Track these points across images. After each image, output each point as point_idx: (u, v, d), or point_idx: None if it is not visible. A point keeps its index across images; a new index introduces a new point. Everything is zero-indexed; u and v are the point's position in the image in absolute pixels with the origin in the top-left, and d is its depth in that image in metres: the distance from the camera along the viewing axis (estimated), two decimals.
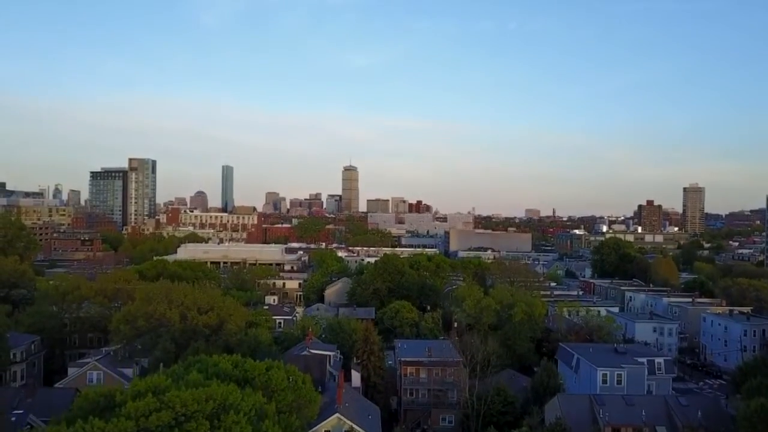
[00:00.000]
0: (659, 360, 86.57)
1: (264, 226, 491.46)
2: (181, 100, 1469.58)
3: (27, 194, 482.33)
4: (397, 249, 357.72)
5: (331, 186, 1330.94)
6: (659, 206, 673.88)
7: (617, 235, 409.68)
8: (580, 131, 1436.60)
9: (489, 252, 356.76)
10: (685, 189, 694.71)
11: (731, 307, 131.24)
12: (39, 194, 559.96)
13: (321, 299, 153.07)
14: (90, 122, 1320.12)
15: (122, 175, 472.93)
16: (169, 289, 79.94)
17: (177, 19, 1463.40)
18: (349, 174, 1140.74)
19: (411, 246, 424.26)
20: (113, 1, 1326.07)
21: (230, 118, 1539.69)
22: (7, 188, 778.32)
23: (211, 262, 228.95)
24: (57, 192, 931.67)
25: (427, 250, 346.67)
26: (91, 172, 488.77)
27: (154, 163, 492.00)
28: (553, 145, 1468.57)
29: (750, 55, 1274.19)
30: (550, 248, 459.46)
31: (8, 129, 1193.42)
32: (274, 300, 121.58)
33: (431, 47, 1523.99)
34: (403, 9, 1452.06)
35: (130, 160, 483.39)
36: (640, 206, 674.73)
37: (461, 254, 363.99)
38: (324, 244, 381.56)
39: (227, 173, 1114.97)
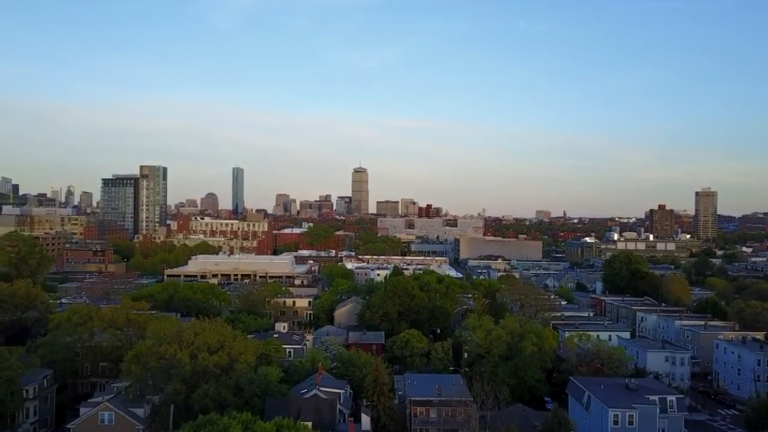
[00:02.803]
0: (671, 398, 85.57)
1: (274, 232, 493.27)
2: (190, 102, 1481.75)
3: (40, 201, 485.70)
4: (406, 257, 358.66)
5: (341, 188, 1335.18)
6: (671, 211, 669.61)
7: (628, 245, 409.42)
8: (589, 132, 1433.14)
9: (499, 261, 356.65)
10: (697, 193, 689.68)
11: (744, 332, 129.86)
12: (51, 200, 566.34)
13: (331, 320, 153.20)
14: (101, 124, 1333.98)
15: (133, 182, 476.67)
16: (179, 330, 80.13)
17: (185, 21, 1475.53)
18: (359, 176, 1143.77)
19: (421, 253, 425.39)
20: (124, 5, 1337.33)
21: (240, 119, 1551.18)
22: (20, 191, 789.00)
23: (222, 275, 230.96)
24: (69, 194, 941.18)
25: (437, 258, 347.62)
26: (103, 179, 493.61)
27: (164, 170, 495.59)
28: (563, 145, 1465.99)
29: (762, 55, 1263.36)
30: (560, 255, 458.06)
31: (21, 130, 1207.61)
32: (284, 327, 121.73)
33: (440, 48, 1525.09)
34: (411, 9, 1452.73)
35: (141, 167, 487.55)
36: (651, 210, 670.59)
37: (472, 263, 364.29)
38: (334, 251, 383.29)
39: (238, 175, 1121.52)
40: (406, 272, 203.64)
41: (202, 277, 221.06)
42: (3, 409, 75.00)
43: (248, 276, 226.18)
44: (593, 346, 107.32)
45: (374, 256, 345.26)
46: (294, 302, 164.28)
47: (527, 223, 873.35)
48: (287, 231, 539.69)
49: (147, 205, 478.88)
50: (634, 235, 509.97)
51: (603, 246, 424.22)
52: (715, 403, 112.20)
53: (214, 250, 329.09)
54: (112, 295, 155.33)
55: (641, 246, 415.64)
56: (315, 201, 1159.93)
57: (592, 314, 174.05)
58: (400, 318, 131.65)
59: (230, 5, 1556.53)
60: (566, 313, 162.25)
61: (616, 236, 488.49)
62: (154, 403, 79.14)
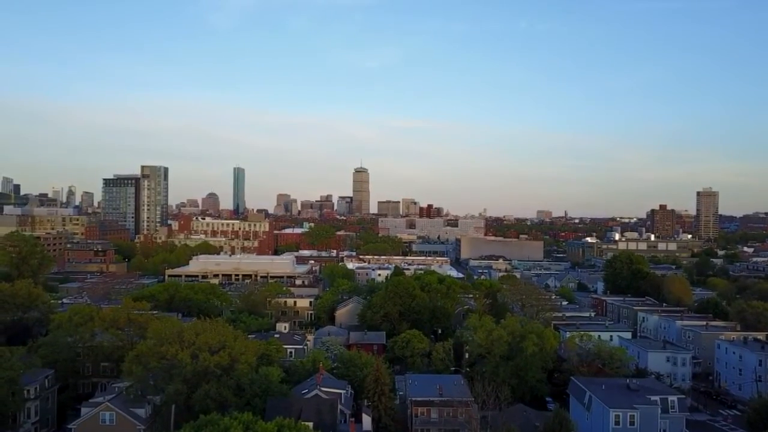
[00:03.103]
0: (673, 398, 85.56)
1: (275, 232, 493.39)
2: (190, 102, 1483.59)
3: (41, 201, 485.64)
4: (407, 258, 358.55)
5: (342, 188, 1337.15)
6: (672, 211, 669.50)
7: (630, 245, 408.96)
8: (589, 132, 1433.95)
9: (500, 261, 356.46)
10: (698, 193, 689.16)
11: (746, 333, 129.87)
12: (52, 200, 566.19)
13: (332, 320, 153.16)
14: (101, 124, 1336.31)
15: (134, 182, 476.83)
16: (180, 330, 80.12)
17: (185, 21, 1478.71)
18: (360, 176, 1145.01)
19: (422, 253, 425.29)
20: (124, 5, 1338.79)
21: (240, 119, 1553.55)
22: (21, 191, 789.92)
23: (223, 275, 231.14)
24: (70, 194, 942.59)
25: (438, 258, 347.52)
26: (104, 179, 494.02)
27: (166, 170, 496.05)
28: (563, 145, 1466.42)
29: (762, 55, 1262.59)
30: (562, 255, 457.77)
31: (21, 130, 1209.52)
32: (285, 327, 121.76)
33: (440, 48, 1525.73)
34: (411, 9, 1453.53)
35: (143, 167, 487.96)
36: (653, 211, 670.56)
37: (473, 263, 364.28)
38: (335, 251, 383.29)
39: (239, 175, 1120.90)
40: (407, 272, 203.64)
41: (203, 277, 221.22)
42: (4, 410, 75.02)
43: (249, 276, 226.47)
44: (594, 347, 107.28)
45: (375, 256, 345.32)
46: (295, 302, 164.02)
47: (528, 223, 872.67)
48: (288, 231, 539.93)
49: (148, 205, 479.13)
50: (635, 235, 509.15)
51: (604, 246, 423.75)
52: (717, 404, 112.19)
53: (215, 250, 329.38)
54: (113, 295, 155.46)
55: (642, 246, 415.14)
56: (316, 201, 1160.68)
57: (593, 314, 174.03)
58: (401, 318, 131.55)
59: (230, 5, 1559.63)
60: (567, 314, 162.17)
61: (617, 236, 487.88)
62: (155, 404, 79.10)
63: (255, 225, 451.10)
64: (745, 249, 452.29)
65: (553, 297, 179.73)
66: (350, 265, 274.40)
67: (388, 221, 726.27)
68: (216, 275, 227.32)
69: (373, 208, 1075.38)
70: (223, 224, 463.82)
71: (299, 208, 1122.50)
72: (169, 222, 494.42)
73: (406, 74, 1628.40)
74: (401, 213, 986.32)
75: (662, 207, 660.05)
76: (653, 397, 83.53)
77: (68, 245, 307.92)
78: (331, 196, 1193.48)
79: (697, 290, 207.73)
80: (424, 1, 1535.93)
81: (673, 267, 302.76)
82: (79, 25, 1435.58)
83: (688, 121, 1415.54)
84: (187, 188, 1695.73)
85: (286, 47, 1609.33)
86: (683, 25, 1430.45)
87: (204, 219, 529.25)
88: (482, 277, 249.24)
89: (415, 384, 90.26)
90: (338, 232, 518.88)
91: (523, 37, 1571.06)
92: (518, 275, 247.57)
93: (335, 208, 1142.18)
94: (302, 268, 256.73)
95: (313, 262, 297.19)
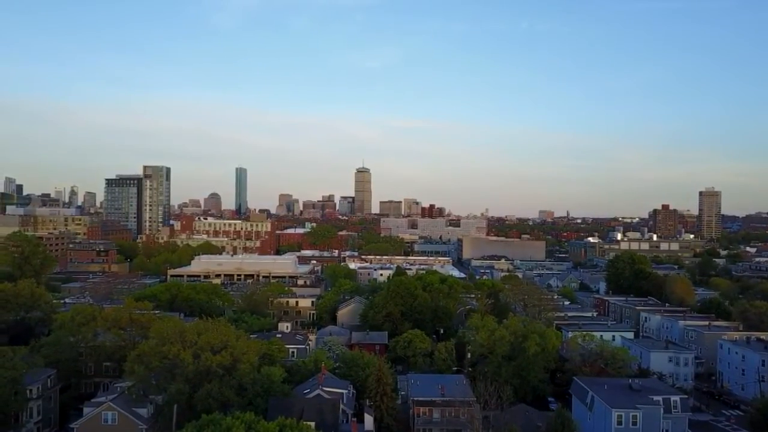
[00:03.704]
0: (675, 398, 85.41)
1: (277, 232, 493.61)
2: (192, 102, 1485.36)
3: (43, 201, 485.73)
4: (409, 258, 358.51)
5: (343, 188, 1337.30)
6: (674, 211, 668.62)
7: (632, 245, 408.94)
8: (589, 132, 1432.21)
9: (502, 261, 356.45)
10: (701, 193, 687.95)
11: (749, 333, 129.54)
12: (55, 200, 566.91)
13: (334, 320, 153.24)
14: (102, 124, 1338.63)
15: (137, 182, 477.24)
16: (182, 330, 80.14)
17: (187, 21, 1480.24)
18: (362, 176, 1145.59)
19: (424, 253, 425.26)
20: (124, 5, 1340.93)
21: (242, 119, 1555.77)
22: (24, 191, 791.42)
23: (225, 275, 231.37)
24: (72, 194, 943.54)
25: (440, 258, 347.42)
26: (106, 179, 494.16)
27: (168, 170, 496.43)
28: (563, 145, 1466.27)
29: (762, 55, 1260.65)
30: (564, 255, 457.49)
31: (23, 131, 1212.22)
32: (287, 327, 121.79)
33: (440, 48, 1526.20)
34: (411, 9, 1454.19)
35: (145, 167, 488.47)
36: (655, 210, 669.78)
37: (475, 263, 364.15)
38: (337, 251, 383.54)
39: (241, 175, 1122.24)
40: (408, 272, 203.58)
41: (205, 277, 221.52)
42: (7, 409, 75.08)
43: (251, 276, 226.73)
44: (597, 347, 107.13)
45: (377, 256, 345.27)
46: (297, 302, 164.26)
47: (530, 223, 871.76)
48: (290, 231, 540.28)
49: (150, 206, 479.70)
50: (637, 235, 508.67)
51: (606, 246, 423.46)
52: (719, 404, 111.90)
53: (218, 251, 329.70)
54: (116, 295, 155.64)
55: (645, 246, 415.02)
56: (318, 201, 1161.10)
57: (595, 314, 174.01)
58: (403, 318, 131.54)
59: (232, 5, 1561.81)
60: (569, 314, 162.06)
61: (619, 236, 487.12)
62: (157, 403, 79.10)
63: (257, 225, 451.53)
64: (748, 249, 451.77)
65: (555, 297, 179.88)
66: (352, 265, 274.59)
67: (390, 221, 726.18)
68: (218, 275, 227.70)
69: (375, 208, 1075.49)
70: (225, 224, 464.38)
71: (301, 208, 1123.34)
72: (172, 222, 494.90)
73: (407, 74, 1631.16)
74: (403, 213, 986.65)
75: (664, 207, 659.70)
76: (656, 398, 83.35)
77: (70, 245, 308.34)
78: (333, 196, 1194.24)
79: (699, 290, 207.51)
80: (424, 1, 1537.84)
81: (676, 267, 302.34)
82: (79, 25, 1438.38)
83: (688, 121, 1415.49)
84: (189, 188, 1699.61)
85: (288, 47, 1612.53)
86: (683, 25, 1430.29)
87: (206, 219, 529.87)
88: (484, 277, 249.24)
89: (417, 384, 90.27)
90: (340, 232, 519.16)
91: (523, 38, 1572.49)
92: (520, 275, 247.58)
93: (337, 208, 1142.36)
94: (304, 268, 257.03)
95: (315, 262, 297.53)
